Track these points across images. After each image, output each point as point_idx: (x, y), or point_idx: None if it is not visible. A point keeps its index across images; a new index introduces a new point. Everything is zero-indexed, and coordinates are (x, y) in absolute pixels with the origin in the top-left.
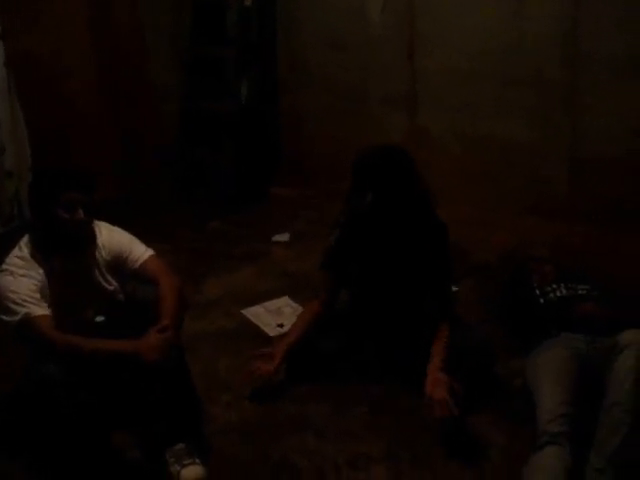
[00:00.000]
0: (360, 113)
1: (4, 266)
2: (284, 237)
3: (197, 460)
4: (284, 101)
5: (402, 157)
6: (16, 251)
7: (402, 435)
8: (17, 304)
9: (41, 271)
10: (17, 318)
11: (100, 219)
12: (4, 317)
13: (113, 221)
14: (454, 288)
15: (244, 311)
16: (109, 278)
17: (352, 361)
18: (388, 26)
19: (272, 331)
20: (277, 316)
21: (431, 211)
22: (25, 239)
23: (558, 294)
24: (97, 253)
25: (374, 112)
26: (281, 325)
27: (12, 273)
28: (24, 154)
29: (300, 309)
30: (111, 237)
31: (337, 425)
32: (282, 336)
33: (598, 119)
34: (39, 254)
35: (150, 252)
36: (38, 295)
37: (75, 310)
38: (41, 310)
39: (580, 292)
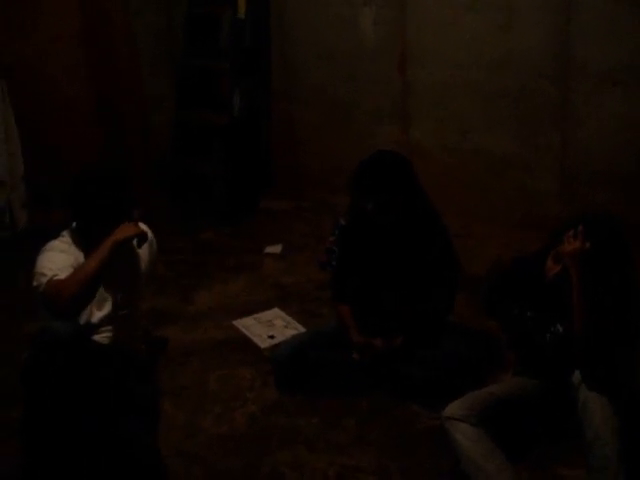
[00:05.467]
0: (352, 125)
1: (46, 247)
2: (276, 249)
3: None
4: (277, 113)
5: (403, 161)
6: (58, 239)
7: (392, 447)
8: (51, 269)
9: (81, 254)
10: (45, 280)
11: None
12: (35, 283)
13: None
14: None
15: (235, 322)
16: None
17: (342, 372)
18: (380, 39)
19: (263, 343)
20: (268, 328)
21: (431, 209)
22: (67, 231)
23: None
24: (148, 250)
25: (366, 124)
26: (272, 337)
27: (52, 249)
28: (17, 163)
29: (291, 321)
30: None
31: (327, 437)
32: (275, 346)
33: (588, 131)
34: (83, 242)
35: None
36: (71, 270)
37: (103, 295)
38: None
39: (548, 335)
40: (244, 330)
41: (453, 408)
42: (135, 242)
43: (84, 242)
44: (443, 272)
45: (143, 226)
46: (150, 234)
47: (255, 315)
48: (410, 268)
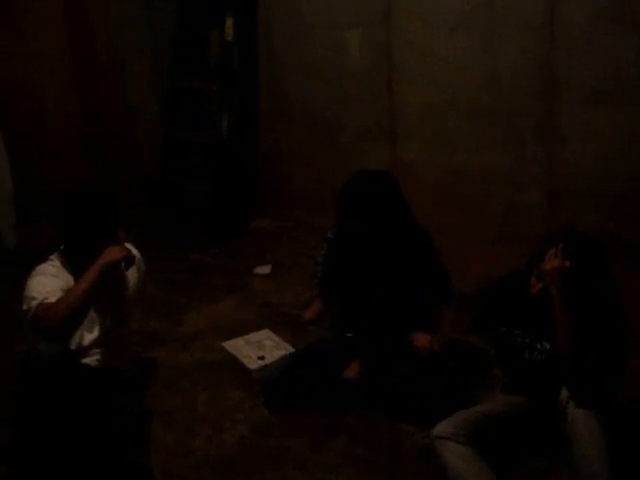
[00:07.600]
0: (339, 145)
1: (35, 271)
2: (265, 269)
3: None
4: (264, 133)
5: (389, 180)
6: (47, 262)
7: (382, 466)
8: (41, 293)
9: (70, 277)
10: (35, 303)
11: None
12: (25, 307)
13: None
14: None
15: (225, 344)
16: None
17: (331, 392)
18: (367, 60)
19: (253, 364)
20: (258, 349)
21: (413, 221)
22: (56, 254)
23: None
24: (136, 271)
25: (353, 144)
26: (262, 357)
27: (42, 273)
28: (5, 182)
29: (281, 342)
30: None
31: (316, 457)
32: (262, 368)
33: (574, 148)
34: (71, 265)
35: None
36: (61, 294)
37: (93, 318)
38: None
39: (536, 352)
40: (234, 351)
41: (442, 427)
42: (123, 265)
43: (73, 265)
44: (433, 275)
45: (130, 247)
46: (138, 255)
47: (245, 336)
48: (398, 276)
